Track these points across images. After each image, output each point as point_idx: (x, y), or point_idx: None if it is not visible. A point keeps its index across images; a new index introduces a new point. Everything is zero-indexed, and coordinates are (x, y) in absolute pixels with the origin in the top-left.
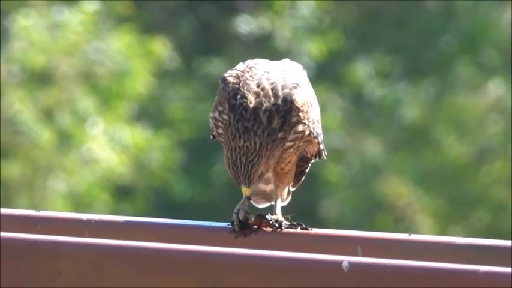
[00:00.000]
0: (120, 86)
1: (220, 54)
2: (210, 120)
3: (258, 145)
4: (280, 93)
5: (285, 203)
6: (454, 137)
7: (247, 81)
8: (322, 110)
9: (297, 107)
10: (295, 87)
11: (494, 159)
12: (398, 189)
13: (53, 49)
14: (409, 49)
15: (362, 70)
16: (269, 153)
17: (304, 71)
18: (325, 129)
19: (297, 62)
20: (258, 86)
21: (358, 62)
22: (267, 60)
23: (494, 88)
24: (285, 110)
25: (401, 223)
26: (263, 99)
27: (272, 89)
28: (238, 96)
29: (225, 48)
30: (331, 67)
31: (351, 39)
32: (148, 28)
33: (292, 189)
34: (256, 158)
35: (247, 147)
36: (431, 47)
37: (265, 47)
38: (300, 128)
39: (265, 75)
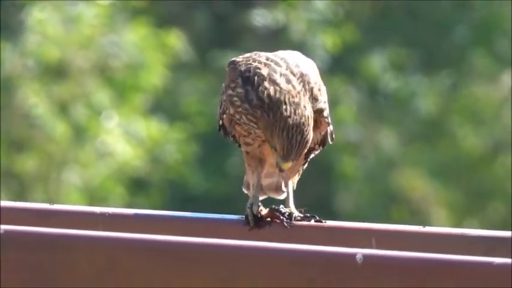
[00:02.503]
0: (135, 79)
1: (235, 47)
2: (219, 107)
3: (310, 119)
4: (293, 66)
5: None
6: (469, 128)
7: (256, 57)
8: (337, 102)
9: (310, 81)
10: (305, 64)
11: (509, 151)
12: (414, 181)
13: (68, 42)
14: (423, 41)
15: (377, 63)
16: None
17: (316, 69)
18: (340, 122)
19: (311, 54)
20: (267, 59)
21: (373, 54)
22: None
23: (509, 79)
24: (300, 73)
25: (416, 216)
26: (275, 66)
27: (282, 59)
28: (252, 67)
29: (240, 41)
30: (346, 60)
31: (365, 31)
32: (163, 21)
33: (284, 190)
34: (309, 132)
35: (303, 123)
36: (445, 39)
37: (279, 39)
38: (317, 100)
39: (272, 57)
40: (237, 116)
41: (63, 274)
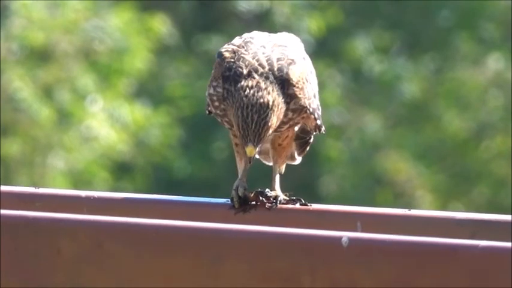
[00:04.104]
0: (119, 63)
1: (219, 31)
2: (207, 98)
3: (271, 102)
4: (275, 67)
5: (297, 162)
6: (454, 112)
7: (243, 55)
8: (322, 86)
9: (291, 83)
10: (291, 63)
11: (494, 134)
12: (398, 164)
13: (53, 26)
14: (408, 24)
15: (361, 46)
16: (279, 112)
17: (301, 43)
18: (324, 105)
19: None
20: (253, 58)
21: (357, 37)
22: (265, 33)
23: (494, 62)
24: (281, 79)
25: (401, 199)
26: (258, 67)
27: (267, 60)
28: (233, 67)
29: (224, 25)
30: (330, 43)
31: (349, 15)
32: (147, 5)
33: (299, 157)
34: (268, 115)
35: (260, 104)
36: (430, 22)
37: (264, 23)
38: (296, 103)
39: (261, 50)
40: (218, 113)
41: (48, 258)
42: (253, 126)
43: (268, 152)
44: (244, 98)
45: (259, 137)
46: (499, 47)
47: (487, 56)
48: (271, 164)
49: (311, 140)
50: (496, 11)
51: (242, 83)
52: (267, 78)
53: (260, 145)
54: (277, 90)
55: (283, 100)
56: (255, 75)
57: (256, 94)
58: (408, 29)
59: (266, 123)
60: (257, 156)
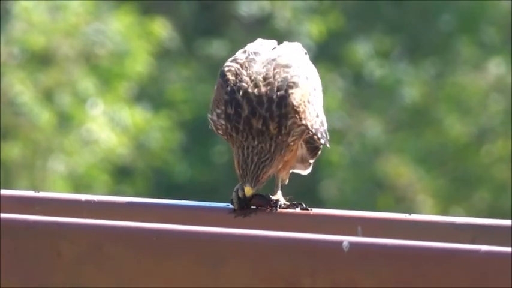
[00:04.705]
0: (120, 67)
1: (220, 35)
2: (209, 119)
3: (273, 148)
4: (275, 96)
5: (306, 172)
6: (455, 116)
7: (243, 83)
8: (323, 90)
9: (292, 109)
10: (292, 87)
11: (495, 139)
12: (399, 169)
13: (53, 30)
14: (409, 28)
15: (362, 50)
16: (280, 158)
17: (304, 51)
18: (325, 110)
19: (297, 42)
20: (254, 87)
21: (358, 42)
22: (269, 45)
23: (495, 67)
24: (279, 115)
25: (402, 203)
26: (257, 107)
27: (266, 92)
28: (233, 104)
29: (225, 29)
30: (331, 47)
31: (350, 19)
32: (148, 9)
33: (311, 161)
34: (269, 159)
35: (261, 147)
36: (431, 26)
37: (265, 27)
38: (297, 129)
39: (263, 73)
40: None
41: (48, 261)
42: (252, 168)
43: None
44: (244, 142)
45: (257, 179)
46: (500, 51)
47: (488, 60)
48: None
49: (322, 146)
50: (497, 15)
51: (243, 133)
52: (263, 124)
53: (257, 186)
54: (277, 139)
55: (285, 144)
56: (253, 122)
57: (257, 138)
58: (409, 33)
59: (265, 166)
60: None
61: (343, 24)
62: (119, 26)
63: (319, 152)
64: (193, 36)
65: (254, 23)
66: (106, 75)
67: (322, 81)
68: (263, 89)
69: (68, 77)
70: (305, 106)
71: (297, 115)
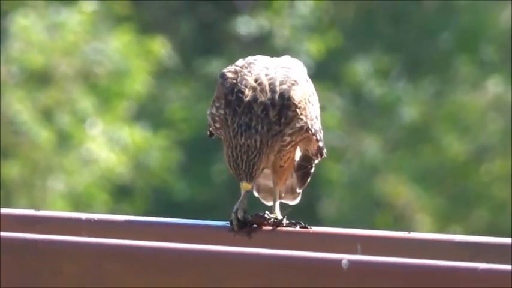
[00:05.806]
0: (119, 86)
1: (219, 54)
2: (208, 116)
3: (258, 143)
4: (277, 88)
5: (296, 202)
6: (454, 135)
7: (245, 76)
8: (321, 109)
9: (293, 103)
10: (293, 84)
11: (494, 158)
12: (398, 187)
13: (52, 49)
14: (407, 47)
15: (361, 69)
16: (269, 150)
17: (304, 67)
18: (324, 128)
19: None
20: (255, 80)
21: (357, 60)
22: (268, 57)
23: (494, 86)
24: (281, 105)
25: (401, 222)
26: (259, 93)
27: (270, 84)
28: (235, 90)
29: (224, 48)
30: (330, 66)
31: (349, 37)
32: (147, 28)
33: (299, 191)
34: (257, 155)
35: (248, 145)
36: (430, 45)
37: (264, 46)
38: (297, 124)
39: (264, 71)
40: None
41: (49, 280)
42: (243, 167)
43: (269, 190)
44: (232, 139)
45: (251, 175)
46: (498, 70)
47: (487, 79)
48: (270, 203)
49: (312, 170)
50: (496, 33)
51: (235, 118)
52: (263, 110)
53: (254, 182)
54: (267, 124)
55: (274, 133)
56: (253, 107)
57: (244, 134)
58: (408, 52)
59: (255, 163)
60: (256, 194)
61: (342, 43)
62: (117, 44)
63: (309, 179)
64: (193, 55)
65: (253, 42)
66: (105, 94)
67: (320, 99)
68: (266, 82)
69: (67, 96)
70: (305, 104)
71: (298, 110)
